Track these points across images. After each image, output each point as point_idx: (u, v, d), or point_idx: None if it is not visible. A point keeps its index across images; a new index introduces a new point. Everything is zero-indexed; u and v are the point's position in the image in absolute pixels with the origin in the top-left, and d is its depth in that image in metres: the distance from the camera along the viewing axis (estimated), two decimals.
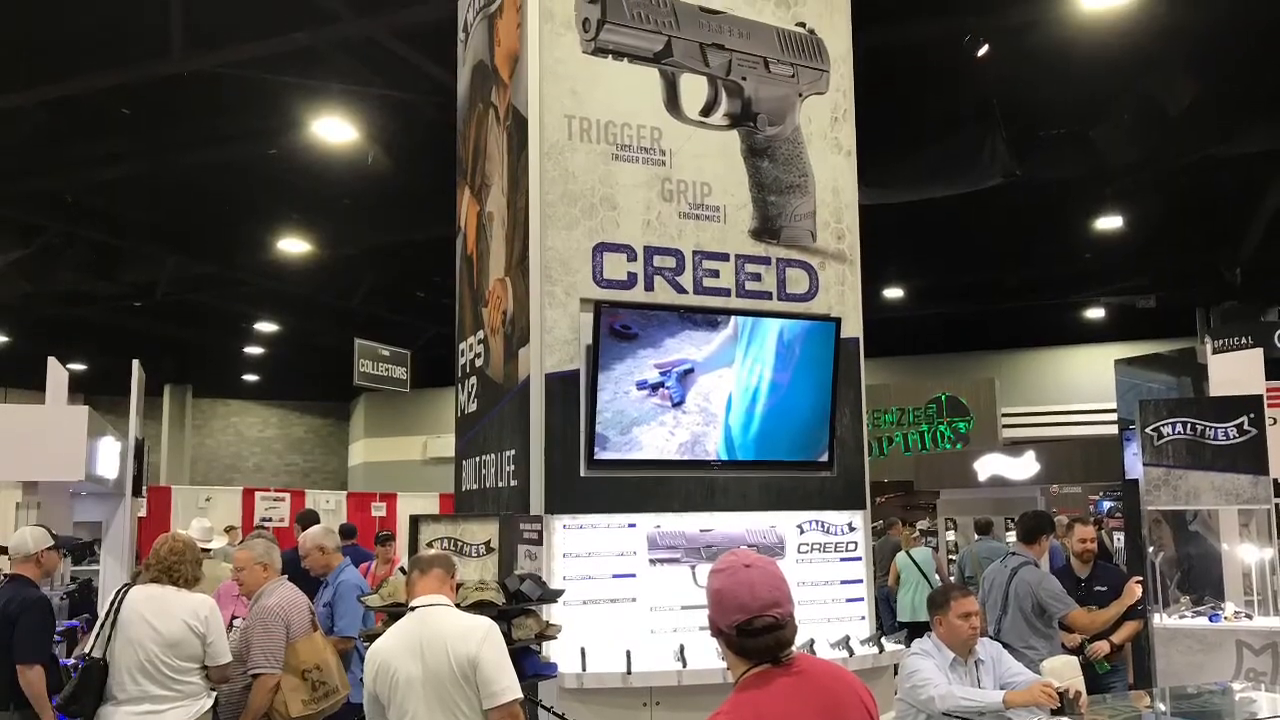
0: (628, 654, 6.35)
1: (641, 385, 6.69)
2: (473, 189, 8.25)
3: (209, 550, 11.28)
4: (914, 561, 14.27)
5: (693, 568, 6.81)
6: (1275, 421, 9.00)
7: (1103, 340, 24.13)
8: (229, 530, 16.12)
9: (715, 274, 7.12)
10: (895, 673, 6.33)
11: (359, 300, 21.27)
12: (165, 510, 18.99)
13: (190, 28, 10.59)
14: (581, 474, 6.66)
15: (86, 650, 5.99)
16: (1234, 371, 10.09)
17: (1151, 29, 10.76)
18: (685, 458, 6.85)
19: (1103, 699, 6.96)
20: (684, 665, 6.43)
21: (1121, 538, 13.29)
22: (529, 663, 5.63)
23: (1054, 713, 5.47)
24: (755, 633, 2.89)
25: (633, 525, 6.78)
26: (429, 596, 4.80)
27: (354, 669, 7.10)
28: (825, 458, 7.25)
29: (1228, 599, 8.77)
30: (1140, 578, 8.05)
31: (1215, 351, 11.43)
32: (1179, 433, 8.52)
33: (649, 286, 6.91)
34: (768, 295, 7.25)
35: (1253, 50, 11.14)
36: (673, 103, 7.14)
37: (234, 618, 7.08)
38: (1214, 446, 8.39)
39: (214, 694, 6.06)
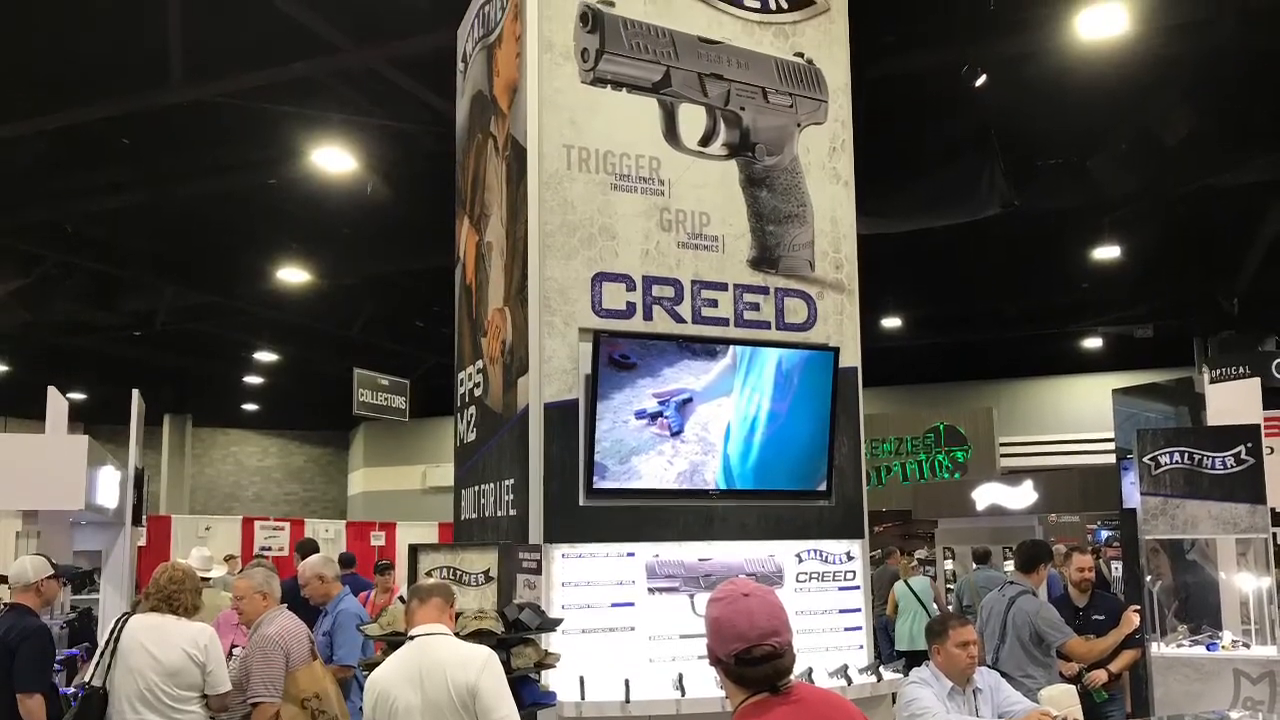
0: (626, 683, 6.32)
1: (640, 415, 6.68)
2: (472, 219, 8.28)
3: (208, 579, 11.28)
4: (912, 590, 14.24)
5: (691, 597, 6.79)
6: (1273, 451, 9.02)
7: (1100, 370, 24.18)
8: (228, 559, 16.13)
9: (714, 303, 7.11)
10: (893, 702, 6.32)
11: (358, 330, 21.29)
12: (165, 539, 19.02)
13: (190, 58, 10.61)
14: (580, 503, 6.63)
15: (86, 679, 6.01)
16: (1231, 401, 10.12)
17: (1148, 60, 10.82)
18: (684, 487, 6.83)
19: None
20: (682, 694, 6.40)
21: (1119, 567, 13.30)
22: (528, 691, 5.63)
23: None
24: (754, 661, 2.89)
25: (631, 554, 6.75)
26: (428, 625, 4.81)
27: (353, 698, 7.10)
28: (823, 487, 7.24)
29: (1225, 628, 8.78)
30: (1138, 606, 8.05)
31: (1213, 381, 11.49)
32: (1176, 462, 8.53)
33: (648, 316, 6.91)
34: (766, 325, 7.24)
35: (1249, 80, 11.20)
36: (671, 133, 7.15)
37: (233, 646, 7.08)
38: (1211, 476, 8.40)
39: None
